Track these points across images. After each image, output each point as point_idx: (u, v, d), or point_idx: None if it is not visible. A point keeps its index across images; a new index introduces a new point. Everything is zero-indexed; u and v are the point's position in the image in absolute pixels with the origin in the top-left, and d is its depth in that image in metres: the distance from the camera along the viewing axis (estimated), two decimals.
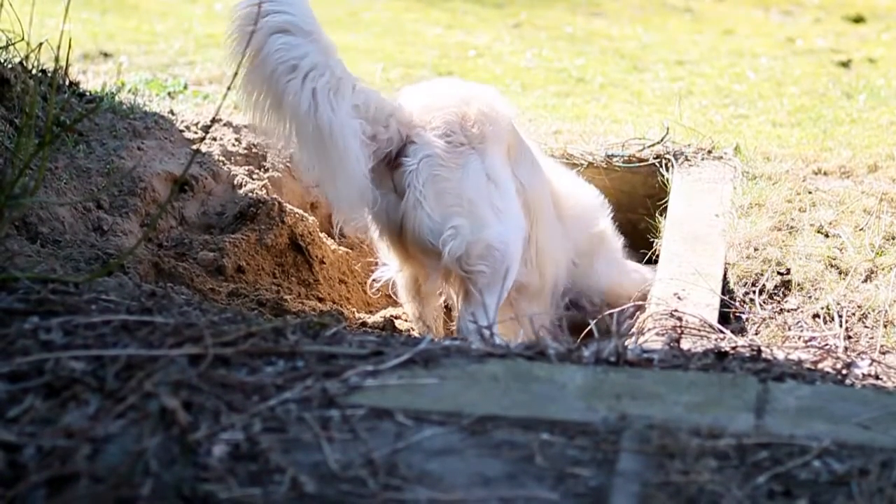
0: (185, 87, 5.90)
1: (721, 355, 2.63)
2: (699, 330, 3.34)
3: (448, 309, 4.27)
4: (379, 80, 6.53)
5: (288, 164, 4.83)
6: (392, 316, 4.40)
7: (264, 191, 4.61)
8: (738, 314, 3.75)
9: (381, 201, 3.74)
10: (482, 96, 3.86)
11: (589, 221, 4.29)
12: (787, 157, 5.11)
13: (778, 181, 4.70)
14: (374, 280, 4.24)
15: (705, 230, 4.19)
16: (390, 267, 4.12)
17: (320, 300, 4.39)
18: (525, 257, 3.96)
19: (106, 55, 6.78)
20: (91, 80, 5.93)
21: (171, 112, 5.01)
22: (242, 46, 3.38)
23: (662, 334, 3.21)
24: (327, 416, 2.22)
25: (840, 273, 3.97)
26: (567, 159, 4.87)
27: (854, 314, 3.74)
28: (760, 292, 3.87)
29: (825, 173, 4.95)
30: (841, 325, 3.65)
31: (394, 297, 4.73)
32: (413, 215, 3.69)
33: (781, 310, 3.79)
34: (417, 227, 3.71)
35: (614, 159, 4.92)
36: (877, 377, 2.88)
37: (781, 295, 3.87)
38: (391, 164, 3.72)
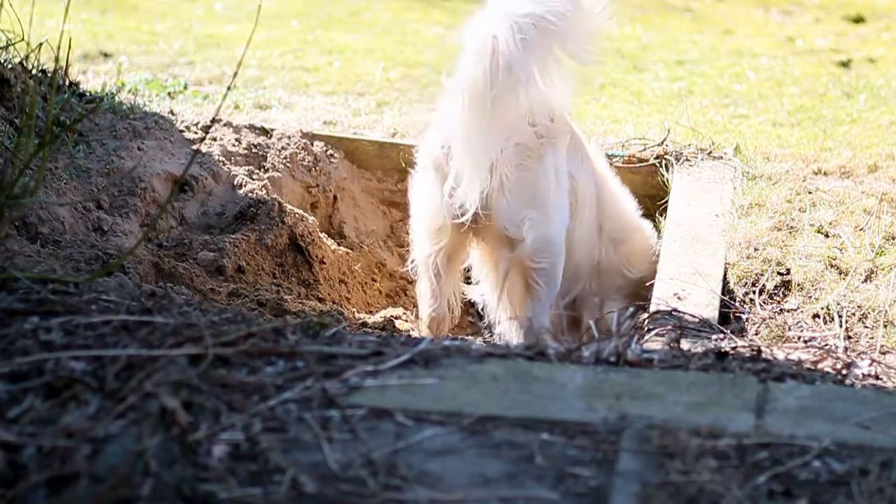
0: (185, 87, 5.90)
1: (721, 355, 2.63)
2: (699, 330, 3.34)
3: (468, 281, 4.25)
4: (379, 80, 6.54)
5: (288, 164, 4.83)
6: (392, 316, 4.40)
7: (264, 191, 4.61)
8: (738, 314, 3.75)
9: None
10: None
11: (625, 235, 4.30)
12: (787, 157, 5.11)
13: (778, 181, 4.70)
14: (410, 267, 4.21)
15: (705, 230, 4.19)
16: (422, 242, 4.07)
17: (320, 300, 4.39)
18: None
19: (106, 55, 6.77)
20: (91, 80, 5.93)
21: (171, 112, 5.01)
22: None
23: (662, 334, 3.21)
24: (327, 416, 2.22)
25: (840, 273, 3.97)
26: None
27: (854, 314, 3.73)
28: (760, 292, 3.87)
29: (825, 173, 4.95)
30: (841, 325, 3.65)
31: (393, 296, 4.73)
32: (496, 199, 3.75)
33: (781, 310, 3.79)
34: (497, 212, 3.77)
35: (614, 159, 4.91)
36: (877, 377, 2.88)
37: (781, 295, 3.87)
38: None
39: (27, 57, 4.41)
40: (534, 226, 3.79)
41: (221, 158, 4.72)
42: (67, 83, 4.88)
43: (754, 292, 3.86)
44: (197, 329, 2.46)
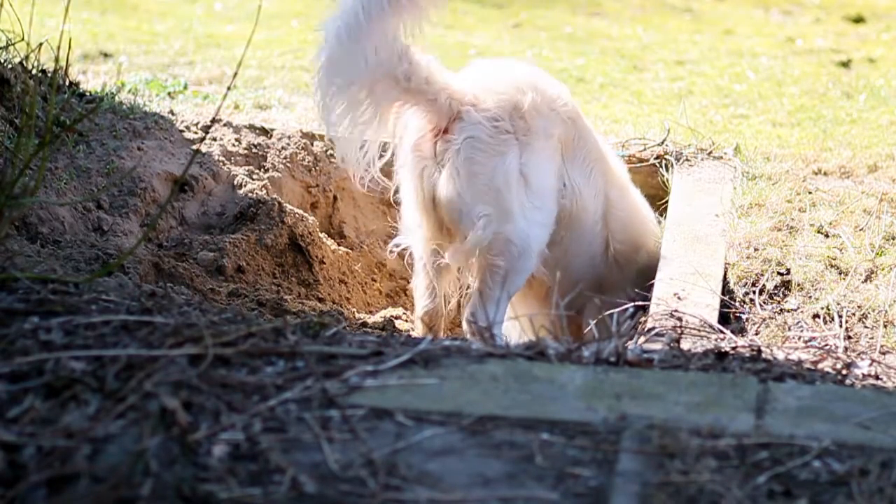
0: (185, 87, 5.90)
1: (721, 355, 2.63)
2: (699, 330, 3.34)
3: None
4: None
5: (288, 164, 4.83)
6: (392, 316, 4.40)
7: (264, 191, 4.61)
8: (738, 314, 3.75)
9: (423, 169, 3.77)
10: (545, 89, 3.85)
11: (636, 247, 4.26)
12: (787, 157, 5.11)
13: (778, 181, 4.70)
14: (393, 246, 4.19)
15: (705, 230, 4.19)
16: (413, 235, 4.06)
17: (320, 300, 4.39)
18: (551, 258, 3.95)
19: (106, 55, 6.77)
20: (91, 80, 5.93)
21: (171, 112, 5.01)
22: None
23: (662, 334, 3.21)
24: (327, 416, 2.22)
25: (840, 273, 3.97)
26: None
27: (854, 314, 3.73)
28: (760, 292, 3.87)
29: (825, 173, 4.95)
30: (841, 325, 3.65)
31: (393, 296, 4.73)
32: (446, 190, 3.73)
33: (781, 310, 3.79)
34: (448, 203, 3.75)
35: None
36: (877, 377, 2.88)
37: (781, 295, 3.87)
38: (437, 134, 3.75)
39: (27, 57, 4.41)
40: (489, 223, 3.72)
41: (221, 158, 4.72)
42: (67, 83, 4.88)
43: (754, 292, 3.86)
44: (197, 329, 2.46)
